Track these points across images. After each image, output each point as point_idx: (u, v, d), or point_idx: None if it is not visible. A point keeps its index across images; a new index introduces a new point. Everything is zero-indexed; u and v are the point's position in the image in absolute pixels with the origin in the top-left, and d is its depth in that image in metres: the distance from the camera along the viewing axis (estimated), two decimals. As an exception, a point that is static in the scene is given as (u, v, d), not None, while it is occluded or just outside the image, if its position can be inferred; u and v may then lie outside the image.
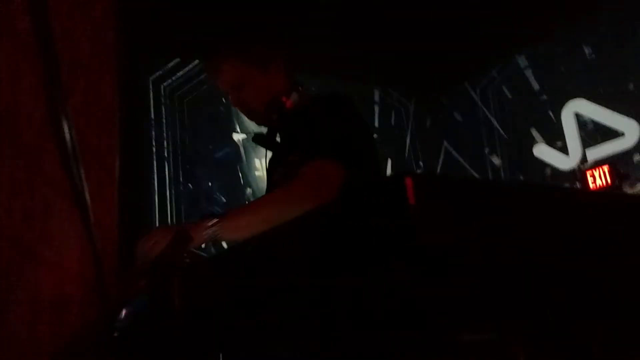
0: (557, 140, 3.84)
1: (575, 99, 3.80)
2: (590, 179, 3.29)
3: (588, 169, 3.40)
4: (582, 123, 3.77)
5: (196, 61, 2.96)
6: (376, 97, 3.92)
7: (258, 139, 1.58)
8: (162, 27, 2.68)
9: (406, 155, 4.17)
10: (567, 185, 3.59)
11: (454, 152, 4.32)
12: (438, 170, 4.29)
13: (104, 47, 0.72)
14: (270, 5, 2.82)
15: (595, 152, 3.64)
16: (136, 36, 2.29)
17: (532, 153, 3.95)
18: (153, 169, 2.84)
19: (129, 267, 0.98)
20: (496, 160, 4.12)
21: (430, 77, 3.92)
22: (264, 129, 1.59)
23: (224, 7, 2.76)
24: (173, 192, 2.90)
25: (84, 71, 0.66)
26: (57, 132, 0.58)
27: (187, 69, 3.06)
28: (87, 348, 0.60)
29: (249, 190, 3.30)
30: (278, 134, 1.52)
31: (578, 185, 3.44)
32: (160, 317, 0.77)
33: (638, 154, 3.42)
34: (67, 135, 0.59)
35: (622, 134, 3.52)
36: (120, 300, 0.81)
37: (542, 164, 3.89)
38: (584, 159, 3.68)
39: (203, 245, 1.18)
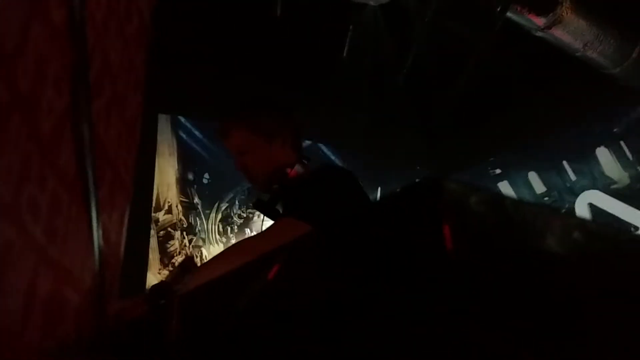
0: (571, 230, 3.79)
1: (590, 190, 3.78)
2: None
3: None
4: (597, 214, 3.73)
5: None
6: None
7: (258, 205, 1.62)
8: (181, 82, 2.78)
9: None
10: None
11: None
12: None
13: (133, 65, 0.73)
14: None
15: (610, 245, 3.57)
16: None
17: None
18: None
19: (128, 288, 0.95)
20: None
21: (446, 158, 3.96)
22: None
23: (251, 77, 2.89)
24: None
25: (111, 80, 0.67)
26: (76, 129, 0.57)
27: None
28: (76, 357, 0.56)
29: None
30: (280, 203, 1.57)
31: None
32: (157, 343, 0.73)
33: (654, 249, 3.36)
34: (86, 135, 0.59)
35: (637, 229, 3.46)
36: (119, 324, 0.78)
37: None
38: (598, 250, 3.61)
39: None
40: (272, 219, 1.61)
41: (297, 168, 1.55)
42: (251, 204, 1.76)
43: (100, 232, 0.62)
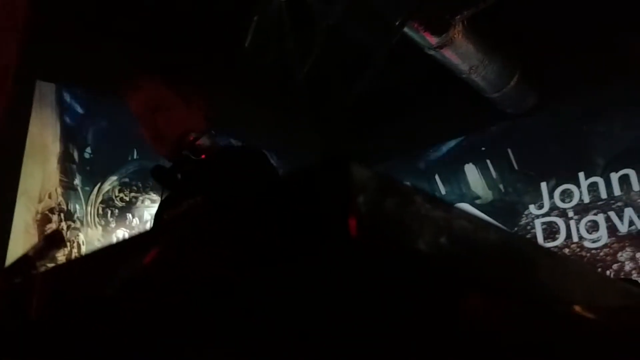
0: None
1: (460, 203, 4.05)
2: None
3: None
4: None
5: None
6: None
7: (157, 173, 1.47)
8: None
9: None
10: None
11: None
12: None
13: (13, 7, 0.64)
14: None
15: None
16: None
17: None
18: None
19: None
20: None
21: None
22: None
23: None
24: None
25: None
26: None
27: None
28: None
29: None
30: (180, 173, 1.44)
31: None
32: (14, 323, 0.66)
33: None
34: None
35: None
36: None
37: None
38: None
39: None
40: (167, 188, 1.48)
41: (204, 139, 1.40)
42: (150, 171, 1.56)
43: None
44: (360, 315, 0.39)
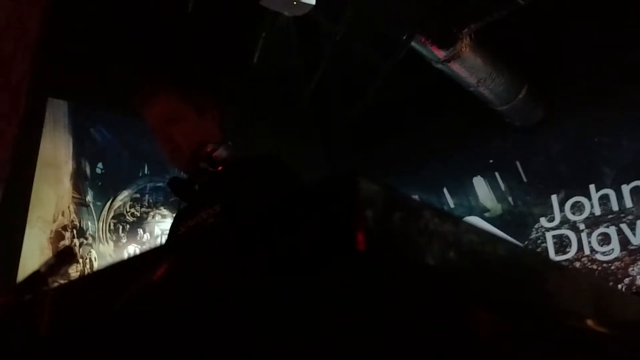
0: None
1: (470, 216, 4.04)
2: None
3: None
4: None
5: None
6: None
7: (174, 185, 1.48)
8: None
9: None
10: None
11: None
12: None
13: (24, 25, 0.65)
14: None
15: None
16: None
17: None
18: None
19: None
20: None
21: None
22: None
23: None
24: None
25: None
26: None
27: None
28: None
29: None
30: (197, 184, 1.44)
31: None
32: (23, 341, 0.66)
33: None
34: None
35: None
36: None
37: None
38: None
39: None
40: (187, 201, 1.49)
41: (221, 150, 1.40)
42: (166, 184, 1.56)
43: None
44: (367, 328, 0.39)
